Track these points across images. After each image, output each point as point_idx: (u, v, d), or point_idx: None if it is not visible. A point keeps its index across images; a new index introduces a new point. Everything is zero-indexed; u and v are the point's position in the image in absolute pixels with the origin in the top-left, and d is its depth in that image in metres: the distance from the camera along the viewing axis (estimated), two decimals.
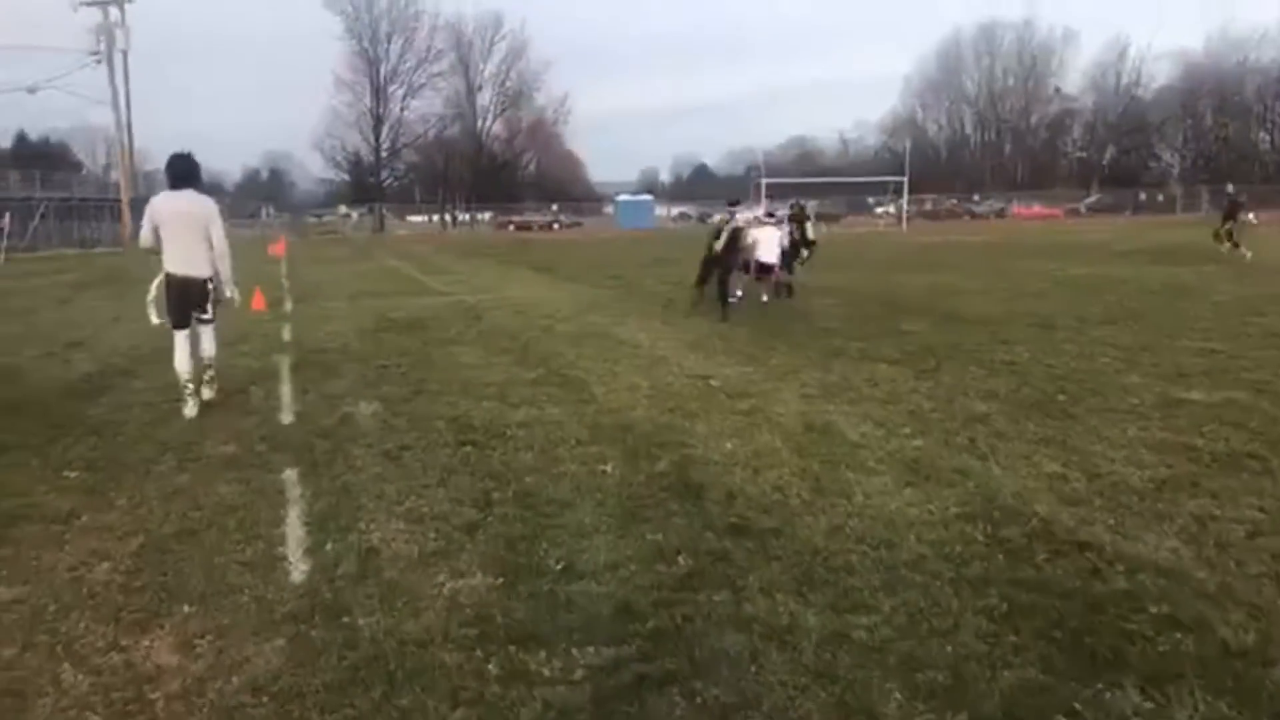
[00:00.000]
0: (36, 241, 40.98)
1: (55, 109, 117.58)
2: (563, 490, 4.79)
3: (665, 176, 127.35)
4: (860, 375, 7.82)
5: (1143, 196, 66.19)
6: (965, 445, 5.55)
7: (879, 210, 73.81)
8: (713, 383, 7.54)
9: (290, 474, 5.17)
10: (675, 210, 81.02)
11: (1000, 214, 66.66)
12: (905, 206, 49.53)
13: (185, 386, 6.80)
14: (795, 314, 12.16)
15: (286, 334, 11.04)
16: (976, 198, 70.45)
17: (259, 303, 13.51)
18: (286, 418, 6.60)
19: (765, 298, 13.71)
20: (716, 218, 13.33)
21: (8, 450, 5.77)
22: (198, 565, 3.88)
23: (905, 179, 47.88)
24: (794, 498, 4.61)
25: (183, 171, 6.80)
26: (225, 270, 6.94)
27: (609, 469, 5.15)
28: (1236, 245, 20.30)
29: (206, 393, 7.08)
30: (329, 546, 4.07)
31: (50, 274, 23.59)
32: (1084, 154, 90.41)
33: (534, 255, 29.00)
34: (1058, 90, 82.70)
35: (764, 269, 13.39)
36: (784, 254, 13.82)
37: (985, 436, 5.72)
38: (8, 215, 26.16)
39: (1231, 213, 21.14)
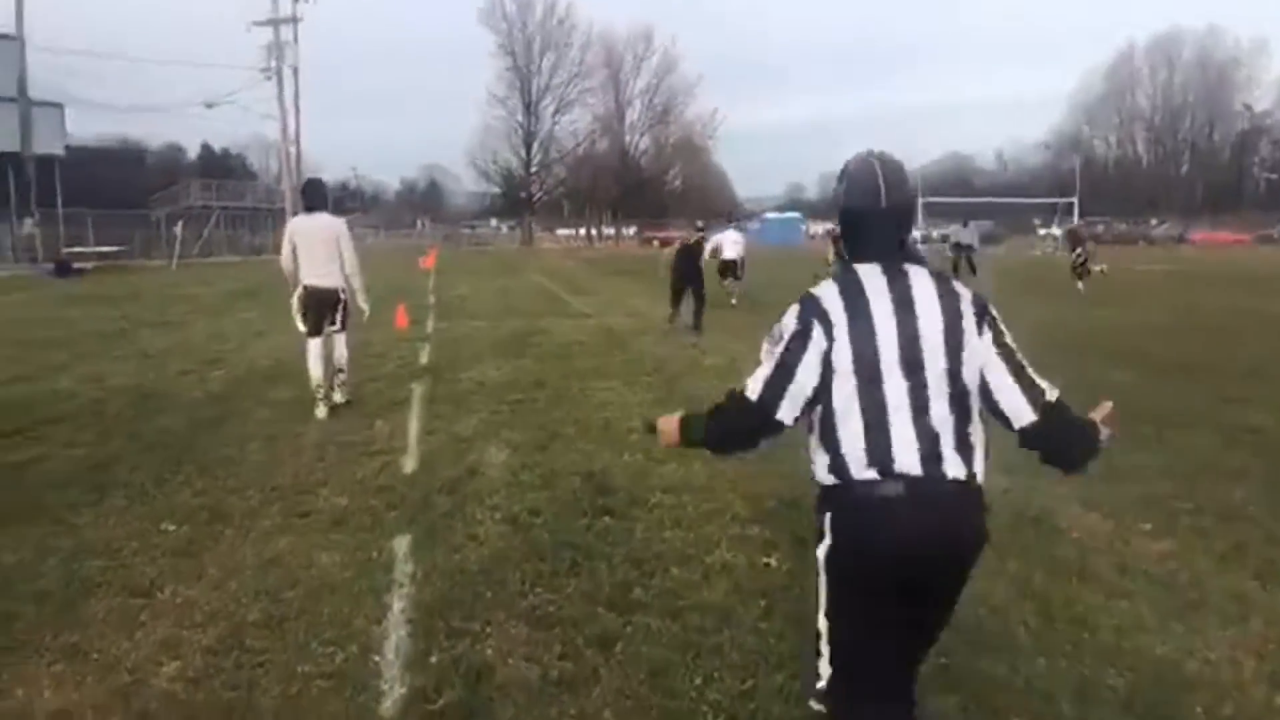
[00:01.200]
0: (210, 248, 43.23)
1: (236, 120, 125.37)
2: (717, 592, 3.88)
3: (812, 193, 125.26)
4: None
5: None
6: (1231, 553, 4.35)
7: (1042, 232, 69.87)
8: None
9: (402, 542, 4.46)
10: (822, 227, 79.11)
11: (1179, 239, 61.79)
12: (1075, 228, 46.25)
13: (317, 390, 7.44)
14: None
15: (424, 357, 10.58)
16: (1154, 221, 65.55)
17: (402, 320, 13.22)
18: (409, 464, 5.95)
19: (734, 301, 16.57)
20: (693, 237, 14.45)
21: (112, 491, 5.31)
22: (275, 677, 3.17)
23: (1075, 200, 44.80)
24: (1018, 625, 3.56)
25: (315, 194, 7.72)
26: (356, 284, 7.63)
27: (773, 562, 4.21)
28: (1079, 276, 20.63)
29: (338, 396, 7.66)
30: (434, 658, 3.29)
31: (214, 281, 24.49)
32: (1274, 175, 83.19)
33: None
34: (1248, 106, 76.11)
35: (728, 266, 16.64)
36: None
37: (1257, 541, 4.49)
38: (180, 224, 27.50)
39: (1076, 243, 22.02)
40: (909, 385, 2.04)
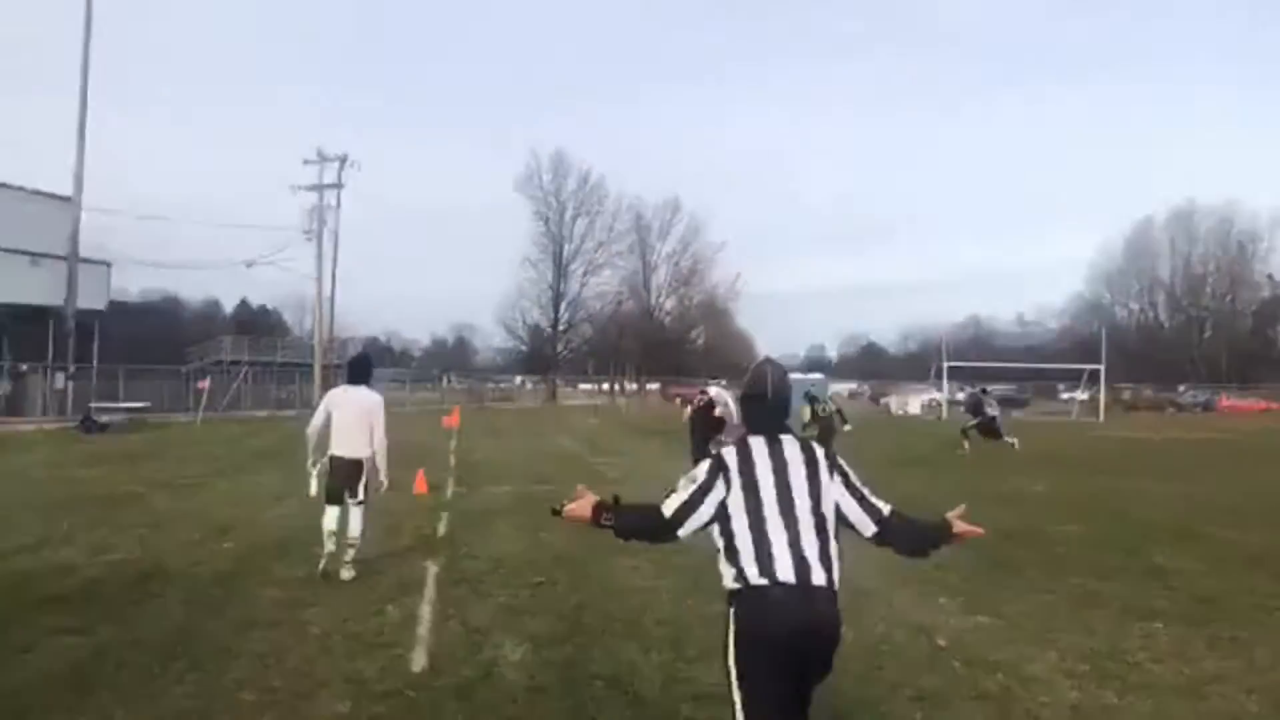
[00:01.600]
0: (237, 402, 43.59)
1: (274, 277, 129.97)
2: None
3: (832, 353, 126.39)
4: (1128, 636, 6.08)
5: None
6: None
7: (1064, 396, 69.35)
8: (939, 641, 5.97)
9: None
10: (846, 388, 79.19)
11: (1206, 407, 61.11)
12: (1103, 395, 45.86)
13: (327, 548, 7.63)
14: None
15: (441, 527, 10.18)
16: (1182, 388, 65.03)
17: (421, 486, 12.92)
18: (418, 660, 5.49)
19: None
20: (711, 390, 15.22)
21: (96, 692, 4.87)
22: None
23: (1102, 366, 44.58)
24: None
25: (361, 370, 8.05)
26: (382, 460, 7.79)
27: None
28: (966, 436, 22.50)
29: (346, 574, 7.54)
30: None
31: (237, 439, 24.42)
32: None
33: None
34: (1270, 276, 76.82)
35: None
36: None
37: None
38: (209, 379, 27.71)
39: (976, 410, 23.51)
40: (784, 521, 2.90)
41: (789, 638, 2.80)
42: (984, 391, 26.03)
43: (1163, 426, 38.70)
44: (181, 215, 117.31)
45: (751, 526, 2.90)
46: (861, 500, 3.12)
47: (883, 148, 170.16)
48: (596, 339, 79.42)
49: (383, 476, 7.84)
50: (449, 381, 74.37)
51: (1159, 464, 19.39)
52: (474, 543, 9.31)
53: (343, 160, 45.43)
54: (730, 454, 3.06)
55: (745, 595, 2.86)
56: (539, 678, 5.17)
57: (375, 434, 7.68)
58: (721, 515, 2.97)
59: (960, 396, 40.25)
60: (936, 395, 53.04)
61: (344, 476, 7.62)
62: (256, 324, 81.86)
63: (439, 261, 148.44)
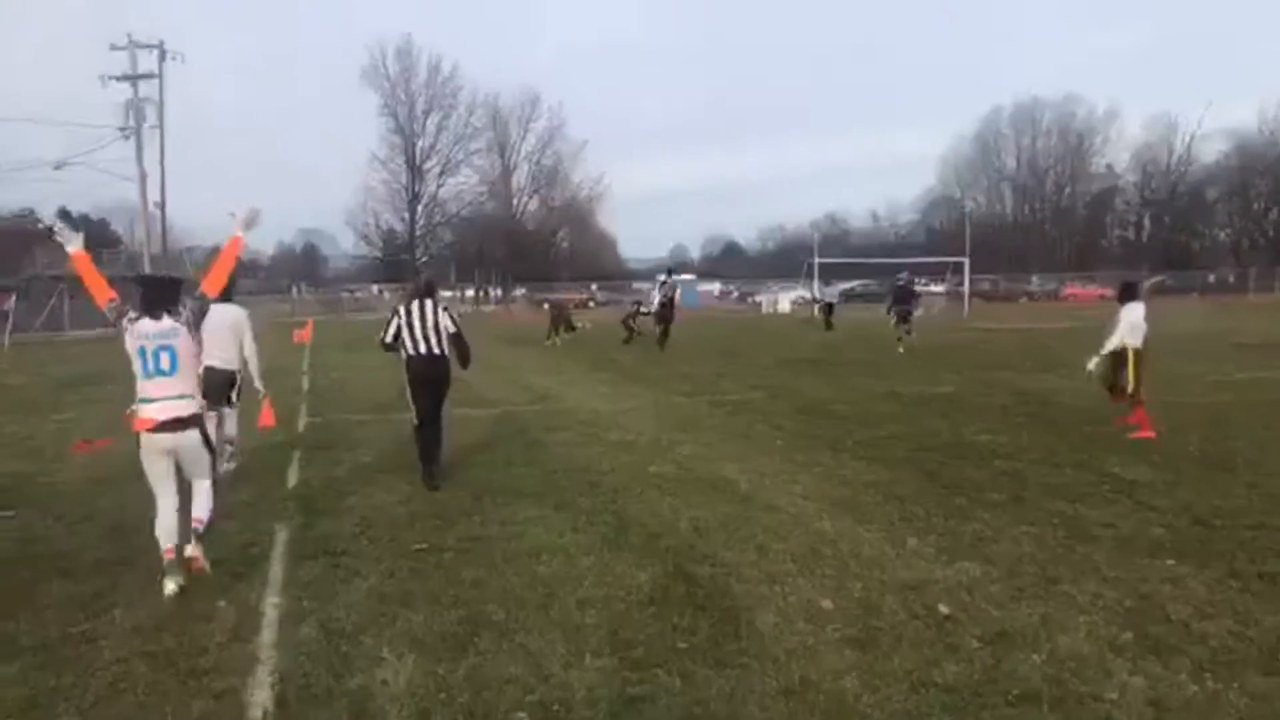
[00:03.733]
0: (57, 322, 39.19)
1: (99, 184, 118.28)
2: None
3: (695, 254, 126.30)
4: (1148, 581, 5.05)
5: (1211, 278, 63.10)
6: None
7: (920, 288, 71.10)
8: (942, 609, 4.76)
9: None
10: (715, 287, 79.09)
11: (1053, 295, 63.78)
12: (967, 287, 46.73)
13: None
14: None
15: (292, 475, 8.38)
16: (1035, 279, 67.56)
17: (267, 417, 10.93)
18: (259, 697, 3.87)
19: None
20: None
21: None
22: None
23: (967, 259, 45.25)
24: None
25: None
26: (254, 367, 8.53)
27: None
28: (908, 332, 22.49)
29: (227, 465, 7.99)
30: None
31: (47, 365, 21.28)
32: (1128, 233, 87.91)
33: (584, 343, 26.46)
34: (1109, 167, 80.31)
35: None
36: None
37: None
38: (13, 297, 24.08)
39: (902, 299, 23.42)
40: (423, 329, 7.86)
41: (424, 376, 7.86)
42: (828, 284, 26.67)
43: (1022, 316, 39.66)
44: None
45: (406, 331, 7.82)
46: (451, 323, 8.00)
47: (741, 45, 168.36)
48: (457, 244, 76.08)
49: (257, 384, 8.57)
50: (300, 292, 69.88)
51: (1041, 356, 19.07)
52: (333, 493, 7.59)
53: (160, 48, 40.50)
54: (404, 307, 7.95)
55: (407, 361, 7.85)
56: (434, 715, 3.66)
57: (245, 345, 8.24)
58: (398, 332, 7.86)
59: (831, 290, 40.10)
60: (804, 293, 53.15)
61: (217, 387, 7.74)
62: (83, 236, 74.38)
63: (282, 164, 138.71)
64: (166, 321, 5.25)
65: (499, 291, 74.90)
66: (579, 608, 4.82)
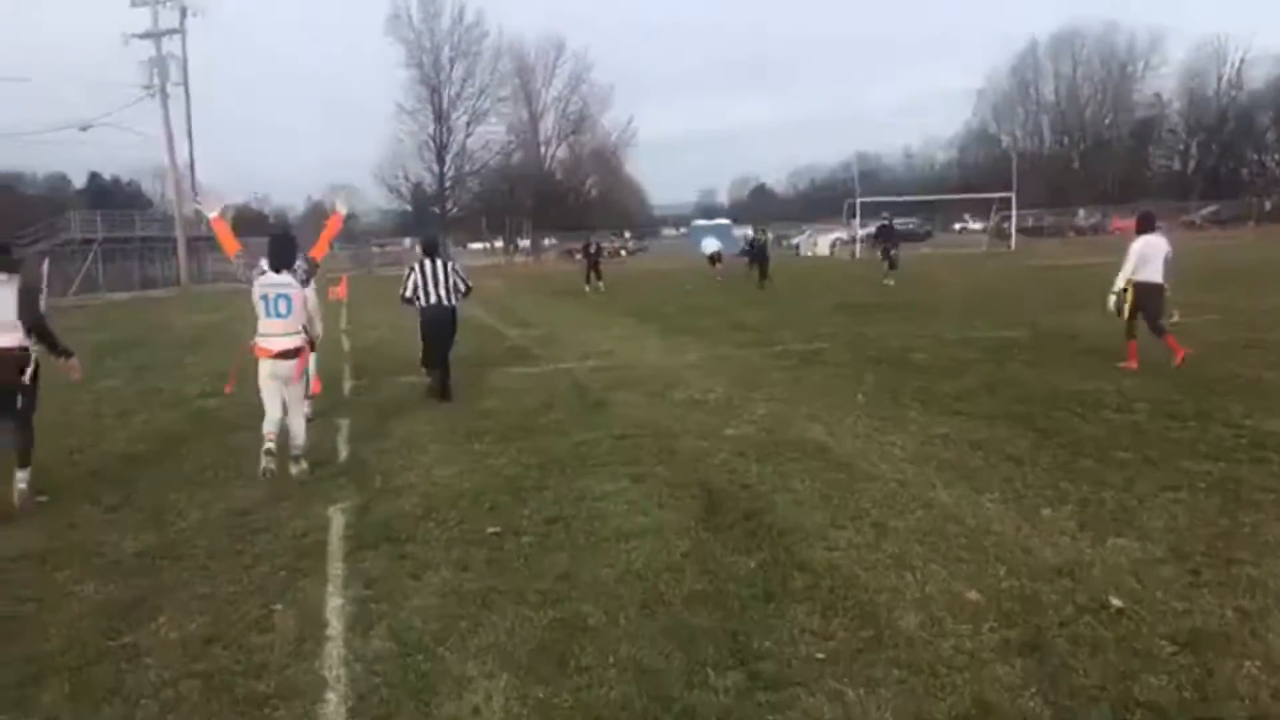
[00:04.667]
0: (93, 285, 39.09)
1: (124, 146, 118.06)
2: None
3: (723, 198, 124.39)
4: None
5: (1268, 205, 60.76)
6: None
7: (957, 227, 69.28)
8: (1114, 601, 4.06)
9: None
10: (748, 231, 77.75)
11: (1098, 229, 61.79)
12: (1014, 223, 45.27)
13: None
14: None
15: (342, 447, 7.79)
16: (1081, 213, 65.50)
17: (314, 384, 10.36)
18: None
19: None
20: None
21: None
22: None
23: (1013, 194, 43.73)
24: None
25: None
26: (318, 323, 8.33)
27: None
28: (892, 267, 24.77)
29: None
30: None
31: (84, 329, 20.88)
32: (1173, 162, 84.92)
33: (622, 293, 25.72)
34: (1158, 95, 77.16)
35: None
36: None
37: None
38: (46, 261, 23.67)
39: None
40: (435, 283, 9.62)
41: (434, 323, 9.67)
42: (892, 220, 26.72)
43: (1072, 252, 38.29)
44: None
45: (421, 285, 9.65)
46: (462, 282, 9.85)
47: None
48: (486, 194, 75.09)
49: (319, 328, 8.37)
50: (332, 248, 69.52)
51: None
52: (390, 467, 6.99)
53: (181, 3, 39.68)
54: (418, 263, 9.84)
55: (421, 310, 9.74)
56: None
57: (310, 302, 7.49)
58: (415, 286, 9.67)
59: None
60: (842, 234, 51.91)
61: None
62: (111, 198, 74.81)
63: (309, 118, 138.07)
64: (285, 276, 6.70)
65: (528, 242, 74.06)
66: (687, 606, 4.18)
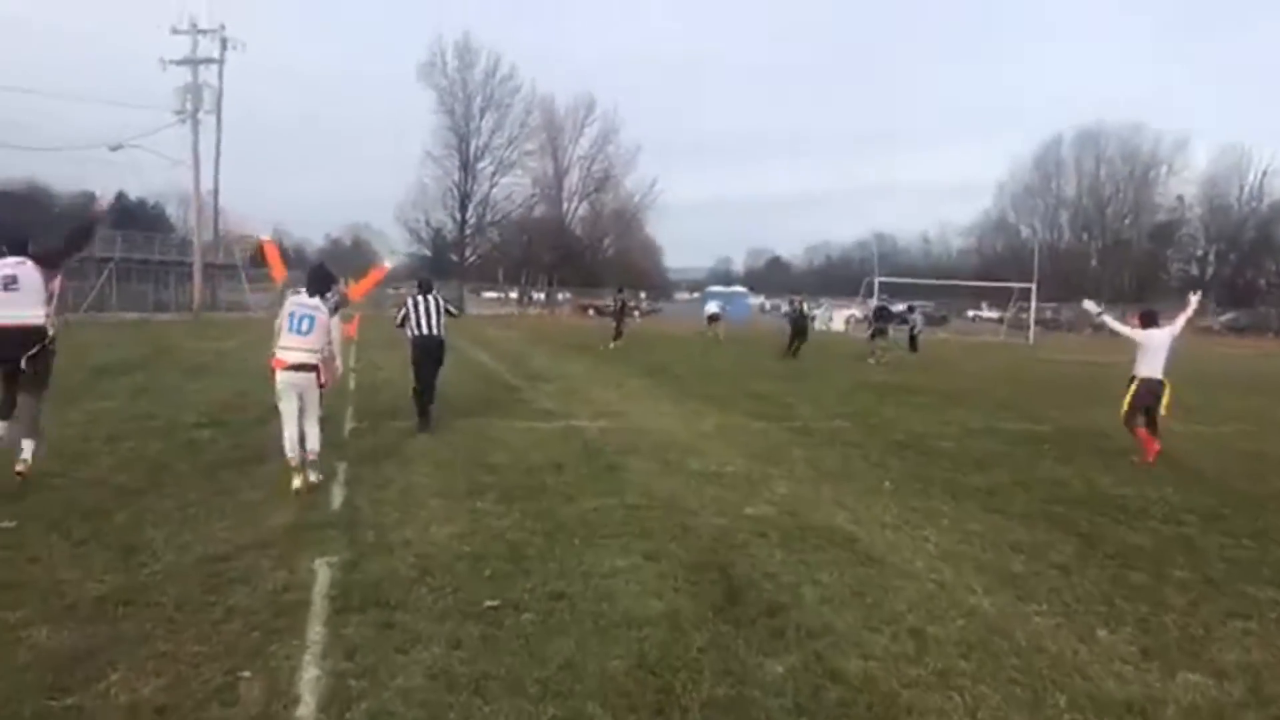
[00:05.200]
0: (104, 303, 38.92)
1: (153, 169, 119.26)
2: None
3: (739, 266, 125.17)
4: None
5: None
6: None
7: (970, 314, 69.10)
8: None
9: None
10: (768, 301, 77.87)
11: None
12: (1033, 315, 45.00)
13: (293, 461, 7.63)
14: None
15: (336, 494, 7.29)
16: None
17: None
18: None
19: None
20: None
21: None
22: None
23: (1034, 285, 43.55)
24: None
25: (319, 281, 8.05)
26: (338, 349, 9.48)
27: None
28: (885, 349, 25.22)
29: (313, 475, 7.59)
30: None
31: (89, 349, 20.53)
32: (1190, 267, 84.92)
33: (637, 351, 25.37)
34: (1180, 199, 77.45)
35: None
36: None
37: None
38: (59, 277, 23.44)
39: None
40: (426, 316, 10.52)
41: (424, 350, 10.55)
42: (911, 310, 27.60)
43: (1088, 348, 37.89)
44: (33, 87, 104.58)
45: (411, 315, 10.49)
46: (450, 307, 11.04)
47: (799, 63, 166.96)
48: (505, 245, 75.36)
49: (338, 363, 9.74)
50: (345, 285, 69.46)
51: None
52: (385, 520, 6.51)
53: (221, 33, 40.19)
54: (410, 299, 10.63)
55: (413, 339, 10.52)
56: None
57: (333, 333, 8.35)
58: (407, 317, 10.54)
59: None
60: (856, 312, 51.76)
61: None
62: (135, 219, 75.25)
63: (335, 156, 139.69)
64: (316, 300, 7.54)
65: (543, 295, 74.05)
66: (706, 714, 3.68)
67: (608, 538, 6.24)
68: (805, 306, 29.38)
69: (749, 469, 8.80)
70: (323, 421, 7.84)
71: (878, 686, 4.00)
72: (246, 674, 3.91)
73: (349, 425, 10.66)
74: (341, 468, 8.18)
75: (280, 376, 7.23)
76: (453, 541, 6.02)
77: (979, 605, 5.12)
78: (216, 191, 45.86)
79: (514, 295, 74.98)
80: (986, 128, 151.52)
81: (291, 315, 7.28)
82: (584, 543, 6.09)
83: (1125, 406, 10.15)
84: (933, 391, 17.37)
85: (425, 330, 10.53)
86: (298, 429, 7.23)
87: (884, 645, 4.47)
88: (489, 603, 4.86)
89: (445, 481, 7.82)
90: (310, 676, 3.92)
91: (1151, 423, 10.10)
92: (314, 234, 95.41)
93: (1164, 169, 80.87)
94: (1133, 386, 10.08)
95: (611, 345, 25.77)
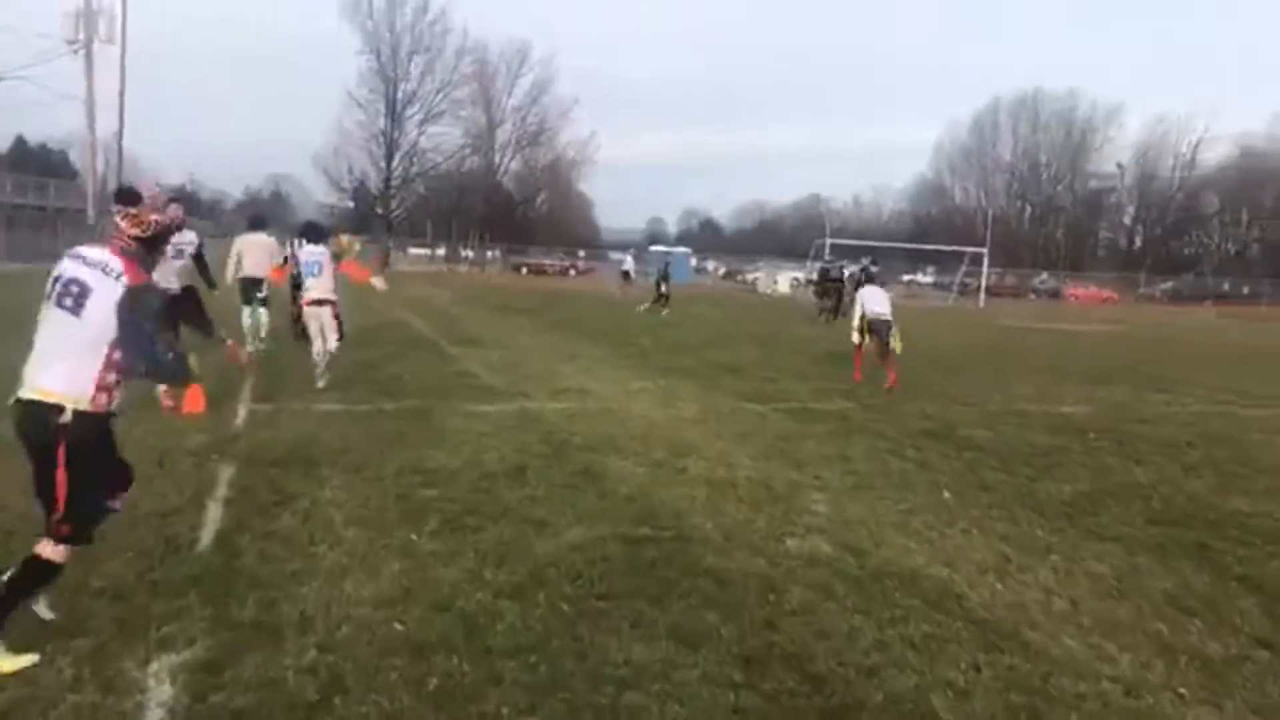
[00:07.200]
0: None
1: (42, 105, 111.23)
2: None
3: (672, 228, 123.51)
4: None
5: (1226, 286, 61.09)
6: None
7: (905, 278, 68.26)
8: None
9: None
10: (710, 264, 76.09)
11: (1053, 294, 61.42)
12: (984, 280, 44.00)
13: (247, 337, 11.62)
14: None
15: (207, 529, 5.04)
16: (1044, 276, 65.33)
17: (194, 401, 7.51)
18: None
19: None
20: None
21: None
22: None
23: (986, 250, 42.49)
24: None
25: (258, 222, 13.46)
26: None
27: None
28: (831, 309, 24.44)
29: (262, 345, 12.00)
30: None
31: None
32: (1117, 236, 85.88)
33: (575, 314, 23.23)
34: (1120, 165, 77.72)
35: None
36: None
37: None
38: None
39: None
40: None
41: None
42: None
43: (1041, 315, 37.03)
44: None
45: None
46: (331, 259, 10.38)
47: (737, 22, 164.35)
48: (434, 198, 71.89)
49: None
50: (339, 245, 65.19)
51: (1136, 367, 16.10)
52: (273, 575, 4.37)
53: None
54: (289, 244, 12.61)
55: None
56: None
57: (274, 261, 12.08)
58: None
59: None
60: (799, 275, 50.38)
61: (252, 285, 12.07)
62: (33, 164, 70.04)
63: (253, 100, 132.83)
64: (319, 248, 10.15)
65: (471, 252, 70.92)
66: None
67: (609, 599, 4.25)
68: (844, 271, 26.86)
69: (767, 473, 6.86)
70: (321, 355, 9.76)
71: None
72: None
73: (243, 409, 8.39)
74: (224, 477, 5.99)
75: (306, 310, 10.04)
76: (377, 615, 3.94)
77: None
78: (120, 134, 41.78)
79: (442, 252, 71.70)
80: (923, 93, 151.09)
81: (306, 264, 10.00)
82: (575, 612, 4.08)
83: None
84: (916, 361, 15.68)
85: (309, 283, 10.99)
86: (321, 345, 9.75)
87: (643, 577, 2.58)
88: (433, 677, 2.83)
89: (367, 500, 5.68)
90: None
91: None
92: (232, 185, 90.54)
93: (1098, 136, 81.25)
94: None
95: (664, 313, 24.45)
